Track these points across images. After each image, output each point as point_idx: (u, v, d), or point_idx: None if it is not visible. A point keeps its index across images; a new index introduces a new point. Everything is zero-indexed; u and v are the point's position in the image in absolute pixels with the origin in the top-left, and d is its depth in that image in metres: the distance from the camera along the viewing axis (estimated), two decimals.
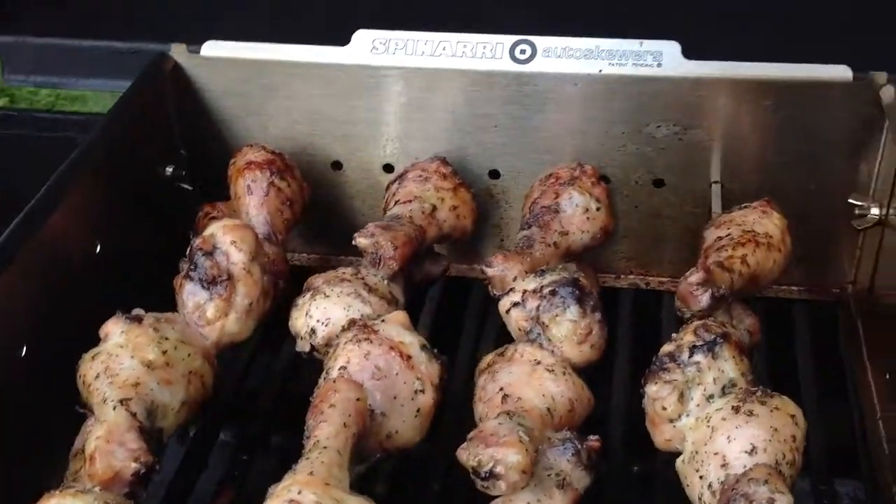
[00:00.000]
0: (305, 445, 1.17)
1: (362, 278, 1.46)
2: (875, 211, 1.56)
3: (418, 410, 1.28)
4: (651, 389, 1.30)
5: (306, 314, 1.43)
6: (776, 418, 1.22)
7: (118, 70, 1.87)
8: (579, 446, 1.24)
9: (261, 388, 1.63)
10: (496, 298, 1.48)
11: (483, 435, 1.18)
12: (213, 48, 1.69)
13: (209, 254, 1.42)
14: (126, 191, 1.58)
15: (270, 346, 1.66)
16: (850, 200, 1.60)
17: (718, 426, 1.23)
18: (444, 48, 1.63)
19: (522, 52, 1.61)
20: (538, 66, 1.61)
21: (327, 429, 1.18)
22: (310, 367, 1.43)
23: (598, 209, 1.60)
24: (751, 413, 1.22)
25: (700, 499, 1.21)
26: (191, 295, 1.44)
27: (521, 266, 1.48)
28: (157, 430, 1.26)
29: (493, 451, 1.15)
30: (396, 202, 1.61)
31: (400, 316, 1.37)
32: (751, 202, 1.55)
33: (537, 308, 1.40)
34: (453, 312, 1.73)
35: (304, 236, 1.81)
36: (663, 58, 1.57)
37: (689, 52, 1.57)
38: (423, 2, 1.80)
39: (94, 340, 1.35)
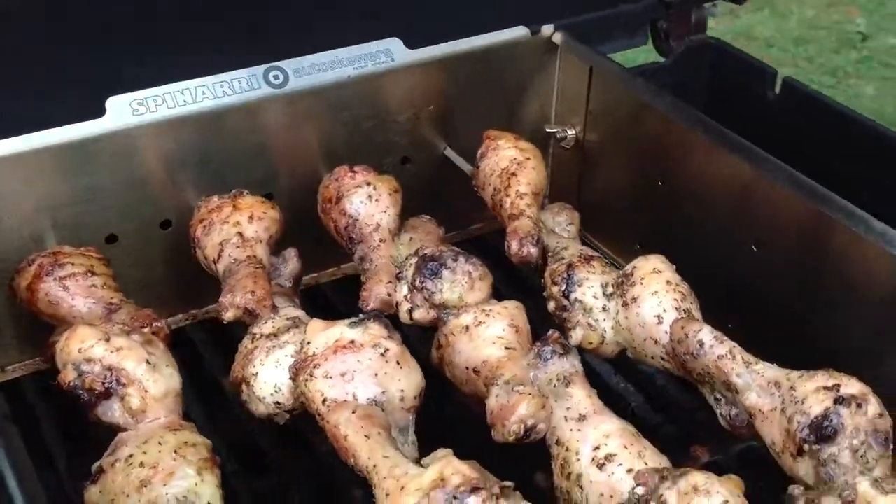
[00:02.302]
0: (367, 479, 1.23)
1: (261, 335, 1.48)
2: (571, 132, 1.96)
3: (398, 362, 1.36)
4: (573, 340, 1.54)
5: (259, 400, 1.44)
6: (648, 284, 1.50)
7: None
8: (549, 347, 1.42)
9: None
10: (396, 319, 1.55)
11: (495, 415, 1.33)
12: None
13: (78, 377, 1.38)
14: None
15: None
16: (547, 129, 1.98)
17: (627, 323, 1.52)
18: (203, 92, 1.66)
19: (276, 77, 1.71)
20: (294, 85, 1.72)
21: (362, 453, 1.26)
22: None
23: (373, 188, 1.71)
24: (634, 298, 1.52)
25: (664, 366, 1.50)
26: (109, 414, 1.39)
27: (383, 282, 1.57)
28: None
29: (514, 418, 1.31)
30: (214, 262, 1.62)
31: (313, 325, 1.41)
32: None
33: (426, 299, 1.52)
34: None
35: None
36: (393, 53, 1.79)
37: (411, 45, 1.80)
38: (156, 58, 1.75)
39: None
